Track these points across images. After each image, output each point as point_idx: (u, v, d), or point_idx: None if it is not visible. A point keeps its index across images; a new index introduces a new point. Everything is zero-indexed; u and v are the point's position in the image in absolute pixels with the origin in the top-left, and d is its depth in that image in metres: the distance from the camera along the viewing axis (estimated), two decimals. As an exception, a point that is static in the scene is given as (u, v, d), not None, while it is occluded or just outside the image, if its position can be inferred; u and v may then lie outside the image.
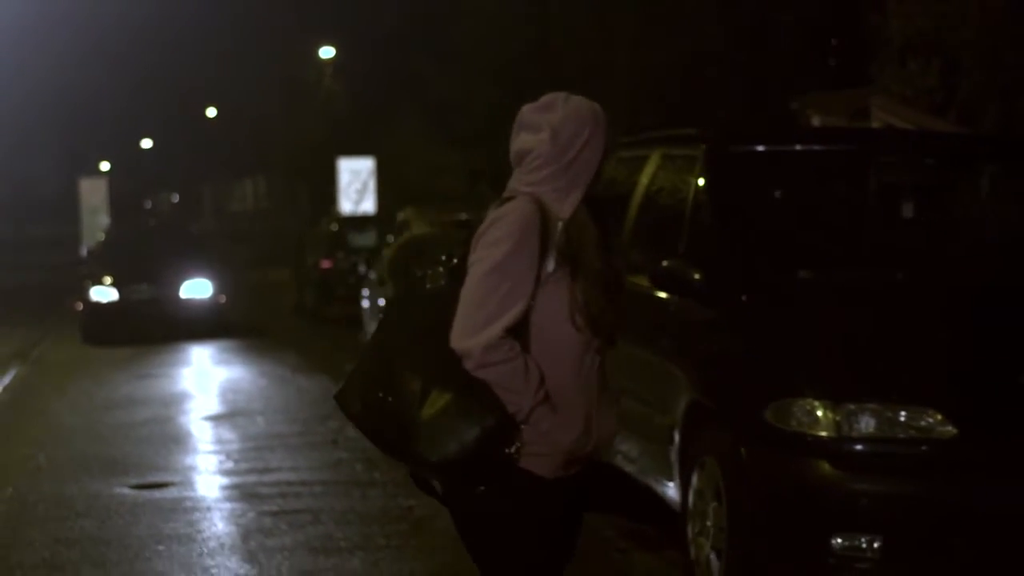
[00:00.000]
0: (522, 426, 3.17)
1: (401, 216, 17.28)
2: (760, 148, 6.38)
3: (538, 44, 24.77)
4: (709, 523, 5.29)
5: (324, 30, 38.63)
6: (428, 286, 3.27)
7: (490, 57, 25.80)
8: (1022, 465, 4.78)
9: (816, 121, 13.86)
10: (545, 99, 3.34)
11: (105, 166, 69.83)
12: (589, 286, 3.22)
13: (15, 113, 52.33)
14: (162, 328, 16.97)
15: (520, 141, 3.32)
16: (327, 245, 19.87)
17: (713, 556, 5.27)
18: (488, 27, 25.87)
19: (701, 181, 6.11)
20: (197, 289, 17.58)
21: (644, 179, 6.77)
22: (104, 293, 17.34)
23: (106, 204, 32.27)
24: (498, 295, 3.17)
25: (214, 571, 6.19)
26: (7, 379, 13.48)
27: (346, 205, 24.91)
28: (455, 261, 3.25)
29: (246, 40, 46.45)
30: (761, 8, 19.70)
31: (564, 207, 3.25)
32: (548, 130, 3.27)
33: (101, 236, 22.64)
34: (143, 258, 18.32)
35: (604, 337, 3.28)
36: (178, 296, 17.44)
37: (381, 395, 3.20)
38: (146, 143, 69.74)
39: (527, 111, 3.35)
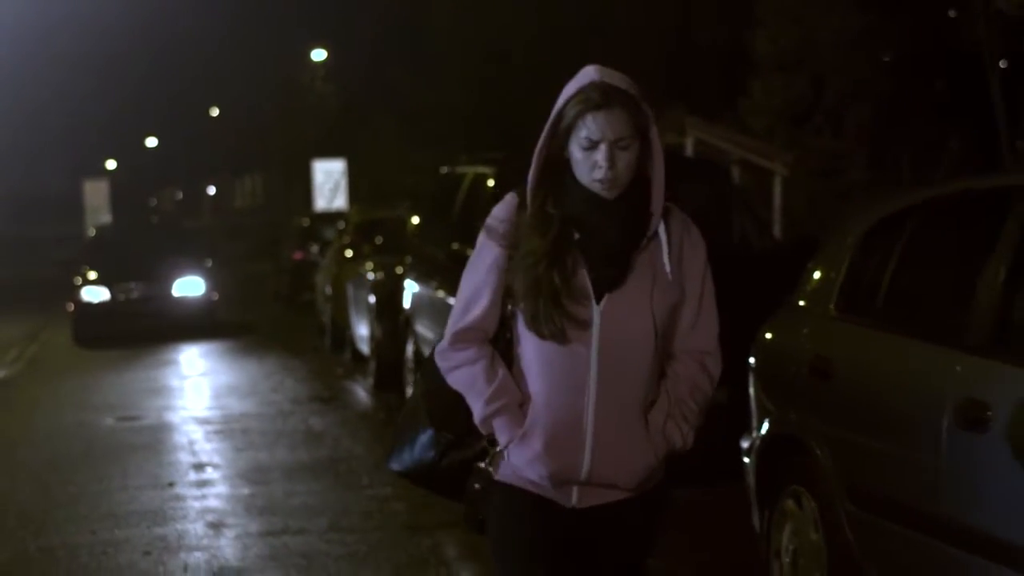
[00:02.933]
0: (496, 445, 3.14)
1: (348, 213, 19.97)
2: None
3: (501, 56, 27.88)
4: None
5: (317, 33, 41.82)
6: None
7: (460, 66, 28.91)
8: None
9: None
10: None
11: (111, 164, 73.41)
12: (525, 287, 3.05)
13: (24, 114, 55.30)
14: (154, 327, 17.44)
15: None
16: (299, 238, 23.02)
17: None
18: (459, 39, 28.96)
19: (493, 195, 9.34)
20: (190, 287, 17.88)
21: (462, 193, 10.01)
22: (95, 293, 17.58)
23: (108, 204, 35.53)
24: (462, 297, 3.17)
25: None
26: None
27: (320, 202, 28.22)
28: None
29: (245, 42, 49.69)
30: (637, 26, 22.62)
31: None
32: None
33: (92, 232, 22.70)
34: (134, 256, 18.55)
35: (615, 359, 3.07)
36: (170, 294, 17.75)
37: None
38: (151, 142, 73.08)
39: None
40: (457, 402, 3.16)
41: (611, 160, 3.02)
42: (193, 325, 17.71)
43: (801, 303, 5.31)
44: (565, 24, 23.82)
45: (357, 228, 15.86)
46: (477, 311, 3.14)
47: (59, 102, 58.83)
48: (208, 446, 9.83)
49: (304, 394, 12.32)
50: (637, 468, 3.10)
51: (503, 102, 27.37)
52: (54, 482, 8.73)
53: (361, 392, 12.33)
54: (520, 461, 3.10)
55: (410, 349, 10.75)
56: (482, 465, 3.19)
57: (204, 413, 11.46)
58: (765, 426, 5.28)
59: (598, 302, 3.05)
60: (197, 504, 7.87)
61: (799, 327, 5.27)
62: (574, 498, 3.13)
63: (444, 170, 11.33)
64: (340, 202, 27.93)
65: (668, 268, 3.09)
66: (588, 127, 3.01)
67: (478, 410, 3.12)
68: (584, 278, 3.05)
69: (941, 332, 4.31)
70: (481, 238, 3.15)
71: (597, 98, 3.00)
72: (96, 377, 14.16)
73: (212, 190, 64.80)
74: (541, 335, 3.04)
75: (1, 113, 49.53)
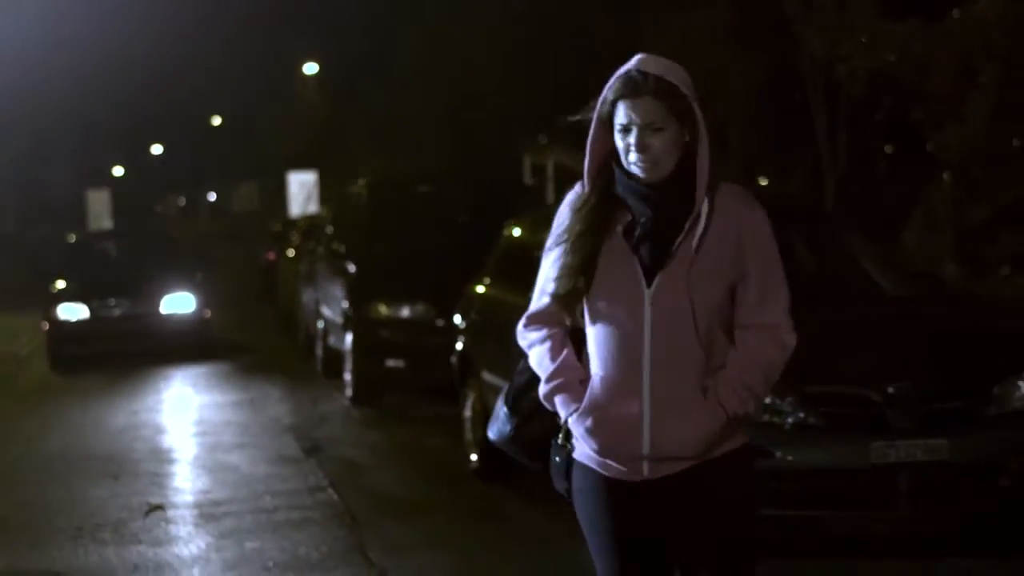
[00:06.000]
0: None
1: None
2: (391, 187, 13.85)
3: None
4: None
5: (309, 48, 45.88)
6: None
7: (428, 85, 32.91)
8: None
9: (550, 161, 20.84)
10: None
11: (119, 171, 77.69)
12: (558, 270, 3.38)
13: (34, 123, 59.20)
14: (140, 349, 16.46)
15: None
16: (272, 242, 27.18)
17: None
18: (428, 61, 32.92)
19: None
20: (179, 304, 16.67)
21: (350, 202, 14.19)
22: (72, 310, 16.40)
23: (109, 211, 39.70)
24: (538, 282, 3.51)
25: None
26: None
27: (295, 209, 32.39)
28: None
29: (243, 54, 53.66)
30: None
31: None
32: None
33: (72, 238, 21.17)
34: (117, 268, 17.77)
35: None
36: (158, 312, 16.53)
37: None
38: (156, 149, 77.26)
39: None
40: (530, 384, 3.54)
41: (641, 144, 3.25)
42: (183, 346, 16.58)
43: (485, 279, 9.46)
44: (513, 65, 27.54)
45: (302, 231, 20.02)
46: (544, 297, 3.45)
47: (67, 111, 62.75)
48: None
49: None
50: (699, 436, 3.31)
51: (466, 119, 31.34)
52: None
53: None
54: (578, 436, 3.40)
55: (320, 324, 14.83)
56: (559, 441, 3.48)
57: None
58: (459, 345, 9.43)
59: (649, 285, 3.29)
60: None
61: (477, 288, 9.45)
62: (646, 470, 3.35)
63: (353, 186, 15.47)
64: (313, 209, 32.06)
65: (694, 248, 3.27)
66: (620, 113, 3.27)
67: (542, 386, 3.44)
68: (633, 261, 3.30)
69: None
70: (554, 221, 3.44)
71: (628, 85, 3.25)
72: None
73: (212, 196, 69.05)
74: (572, 315, 3.40)
75: (12, 122, 53.43)
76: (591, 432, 3.36)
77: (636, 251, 3.31)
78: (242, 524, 8.05)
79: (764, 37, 21.10)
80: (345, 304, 12.66)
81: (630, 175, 3.32)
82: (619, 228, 3.33)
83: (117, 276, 17.22)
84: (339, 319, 13.07)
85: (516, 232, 9.33)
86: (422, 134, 31.14)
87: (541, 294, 3.48)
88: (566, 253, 3.36)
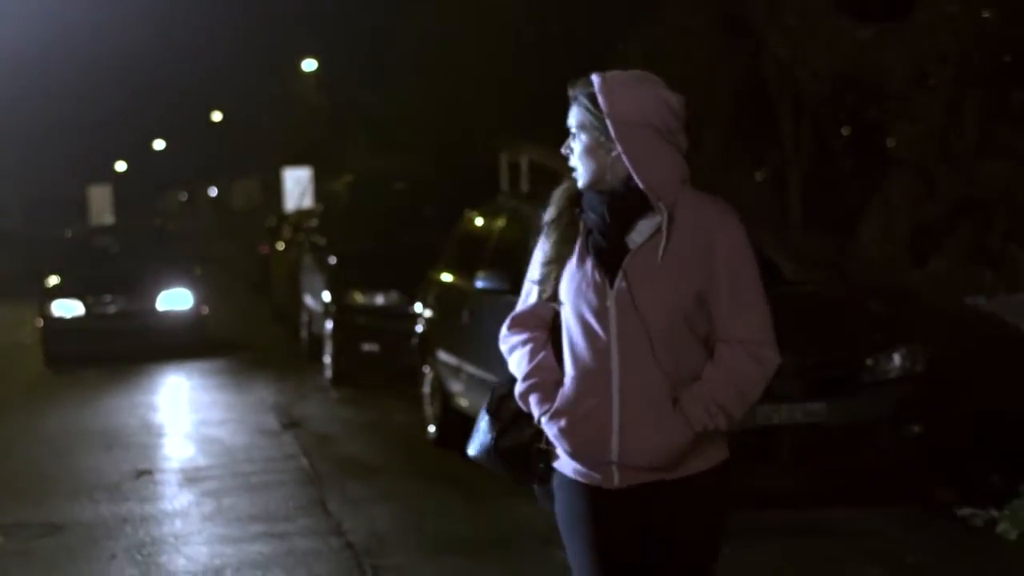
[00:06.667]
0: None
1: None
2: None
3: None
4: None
5: (310, 45, 46.89)
6: None
7: (424, 84, 33.90)
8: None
9: (523, 160, 21.72)
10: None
11: (122, 166, 78.89)
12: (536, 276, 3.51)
13: (39, 120, 60.24)
14: (136, 346, 16.21)
15: None
16: (266, 235, 28.23)
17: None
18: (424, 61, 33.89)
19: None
20: (176, 300, 16.53)
21: (331, 200, 15.22)
22: (67, 307, 16.32)
23: (111, 207, 40.73)
24: (524, 285, 3.59)
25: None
26: None
27: (290, 204, 33.44)
28: None
29: (243, 49, 54.67)
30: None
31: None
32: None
33: (68, 233, 20.70)
34: (113, 264, 17.65)
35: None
36: (154, 309, 16.39)
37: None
38: (159, 144, 78.35)
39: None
40: (511, 391, 3.55)
41: (567, 146, 3.46)
42: (179, 343, 16.41)
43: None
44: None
45: (293, 225, 21.05)
46: (530, 300, 3.53)
47: (71, 107, 63.75)
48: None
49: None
50: (667, 448, 3.32)
51: (454, 117, 32.29)
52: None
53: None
54: (551, 436, 3.43)
55: (305, 312, 15.87)
56: (542, 446, 3.49)
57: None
58: (419, 328, 10.49)
59: (611, 287, 3.33)
60: None
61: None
62: (616, 479, 3.37)
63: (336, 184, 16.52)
64: (308, 204, 33.08)
65: (659, 257, 3.30)
66: None
67: (519, 385, 3.48)
68: (595, 265, 3.36)
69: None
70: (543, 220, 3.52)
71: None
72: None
73: (214, 192, 70.12)
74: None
75: (16, 118, 54.42)
76: (563, 433, 3.41)
77: (596, 256, 3.39)
78: (220, 485, 9.11)
79: (734, 41, 22.07)
80: (326, 293, 13.71)
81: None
82: (583, 234, 3.43)
83: (113, 272, 17.08)
84: (320, 307, 14.13)
85: (468, 222, 10.38)
86: (417, 132, 32.12)
87: (526, 296, 3.56)
88: (545, 256, 3.49)
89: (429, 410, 10.24)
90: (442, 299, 10.14)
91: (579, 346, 3.39)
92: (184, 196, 79.60)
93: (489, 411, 3.62)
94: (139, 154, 78.28)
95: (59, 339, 16.22)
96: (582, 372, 3.39)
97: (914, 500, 7.72)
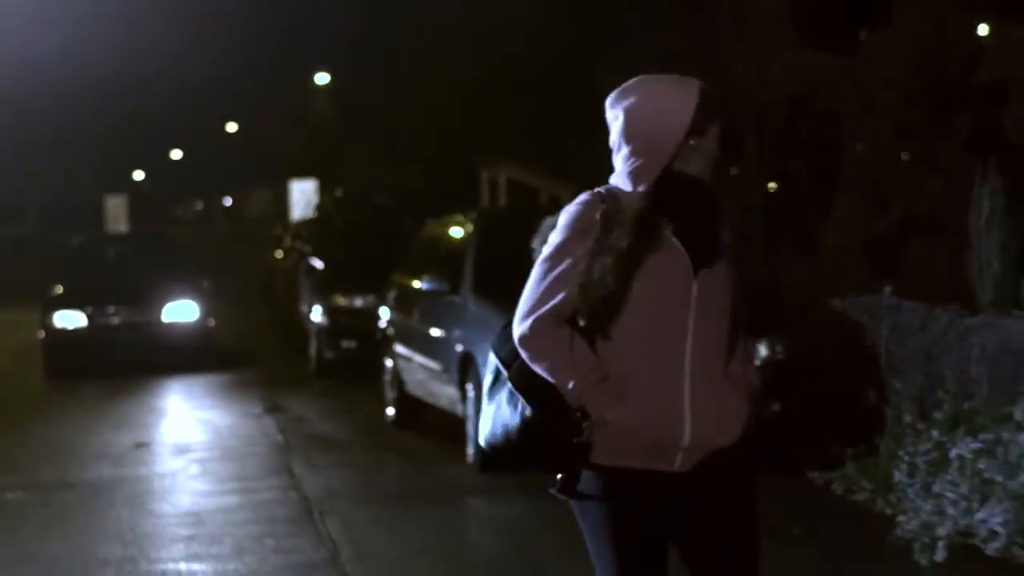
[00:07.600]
0: (590, 417, 3.40)
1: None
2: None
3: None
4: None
5: (322, 59, 48.61)
6: None
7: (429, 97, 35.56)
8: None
9: (502, 177, 23.34)
10: (628, 84, 3.54)
11: (139, 175, 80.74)
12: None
13: (53, 126, 61.96)
14: (140, 359, 15.89)
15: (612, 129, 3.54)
16: (273, 243, 29.96)
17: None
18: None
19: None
20: (182, 312, 16.12)
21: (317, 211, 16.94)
22: (70, 318, 15.92)
23: (127, 216, 42.49)
24: (543, 285, 3.50)
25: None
26: None
27: (296, 214, 35.26)
28: None
29: (257, 61, 56.37)
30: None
31: (634, 195, 3.49)
32: (621, 115, 3.50)
33: (74, 241, 19.96)
34: (117, 274, 17.00)
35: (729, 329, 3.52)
36: (159, 320, 16.02)
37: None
38: (176, 154, 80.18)
39: (609, 99, 3.56)
40: (528, 368, 3.51)
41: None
42: (185, 356, 15.97)
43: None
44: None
45: (292, 234, 22.80)
46: (564, 295, 3.47)
47: (89, 118, 65.47)
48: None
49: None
50: (739, 419, 3.55)
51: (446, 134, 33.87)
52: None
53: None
54: (619, 432, 3.41)
55: (298, 312, 17.60)
56: (577, 440, 3.42)
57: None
58: (381, 324, 12.18)
59: (696, 277, 3.46)
60: None
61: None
62: (677, 462, 3.48)
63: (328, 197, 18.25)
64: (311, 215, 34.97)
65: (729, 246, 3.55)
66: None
67: (573, 383, 3.42)
68: (683, 256, 3.46)
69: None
70: (566, 225, 3.50)
71: None
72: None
73: (228, 201, 72.05)
74: (618, 313, 3.45)
75: (37, 128, 56.20)
76: (637, 427, 3.43)
77: (685, 246, 3.47)
78: (206, 455, 10.85)
79: (702, 65, 23.72)
80: (312, 295, 15.48)
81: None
82: (669, 227, 3.47)
83: (118, 282, 16.51)
84: (307, 307, 15.86)
85: (425, 231, 12.13)
86: (414, 146, 33.80)
87: (551, 293, 3.49)
88: (613, 255, 3.44)
89: (389, 395, 11.93)
90: (399, 299, 11.85)
91: (653, 336, 3.46)
92: (200, 205, 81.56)
93: (516, 386, 3.53)
94: (157, 163, 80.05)
95: (61, 351, 15.83)
96: (652, 363, 3.46)
97: (774, 467, 9.32)
